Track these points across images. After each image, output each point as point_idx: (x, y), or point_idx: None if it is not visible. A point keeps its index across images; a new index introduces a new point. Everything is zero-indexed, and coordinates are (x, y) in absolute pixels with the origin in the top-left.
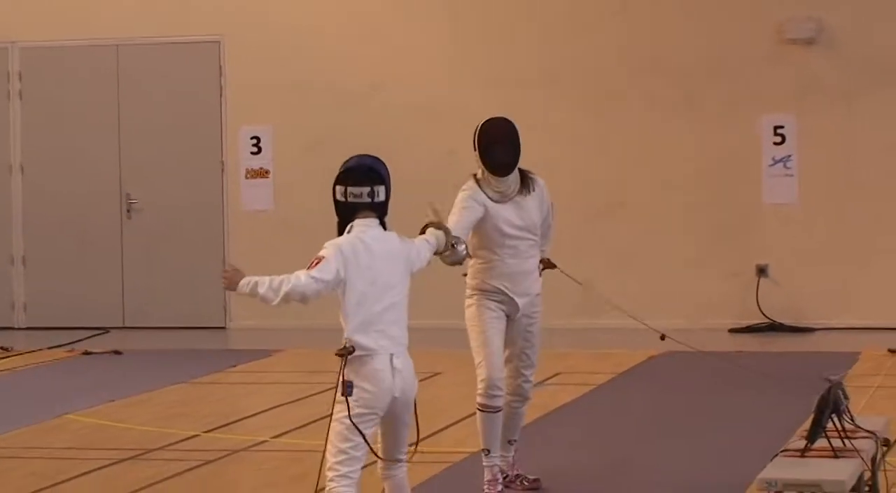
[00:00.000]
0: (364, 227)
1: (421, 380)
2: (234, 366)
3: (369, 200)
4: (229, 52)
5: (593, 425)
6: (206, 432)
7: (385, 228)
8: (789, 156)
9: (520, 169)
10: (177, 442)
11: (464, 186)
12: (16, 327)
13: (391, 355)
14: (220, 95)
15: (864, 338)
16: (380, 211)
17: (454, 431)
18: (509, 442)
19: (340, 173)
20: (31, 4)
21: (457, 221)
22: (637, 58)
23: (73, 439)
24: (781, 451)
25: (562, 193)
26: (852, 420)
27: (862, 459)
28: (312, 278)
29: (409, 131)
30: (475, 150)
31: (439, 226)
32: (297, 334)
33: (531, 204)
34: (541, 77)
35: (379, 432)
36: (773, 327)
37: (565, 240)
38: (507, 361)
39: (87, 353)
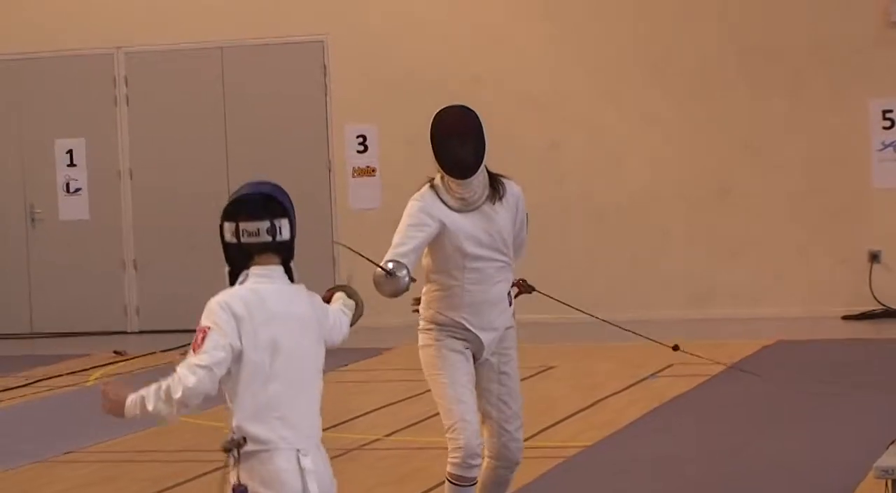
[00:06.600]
0: (262, 277)
1: (533, 375)
2: (346, 365)
3: (269, 238)
4: (333, 52)
5: (707, 414)
6: None
7: (292, 278)
8: None
9: (489, 172)
10: None
11: (415, 195)
12: (129, 331)
13: (297, 451)
14: (326, 95)
15: None
16: (284, 253)
17: (567, 425)
18: None
19: (228, 206)
20: (136, 10)
21: (401, 242)
22: (742, 43)
23: (187, 441)
24: None
25: (668, 181)
26: None
27: None
28: (201, 368)
29: (510, 124)
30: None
31: (351, 293)
32: (408, 332)
33: (501, 215)
34: (645, 64)
35: None
36: (888, 314)
37: (674, 229)
38: (485, 417)
39: None
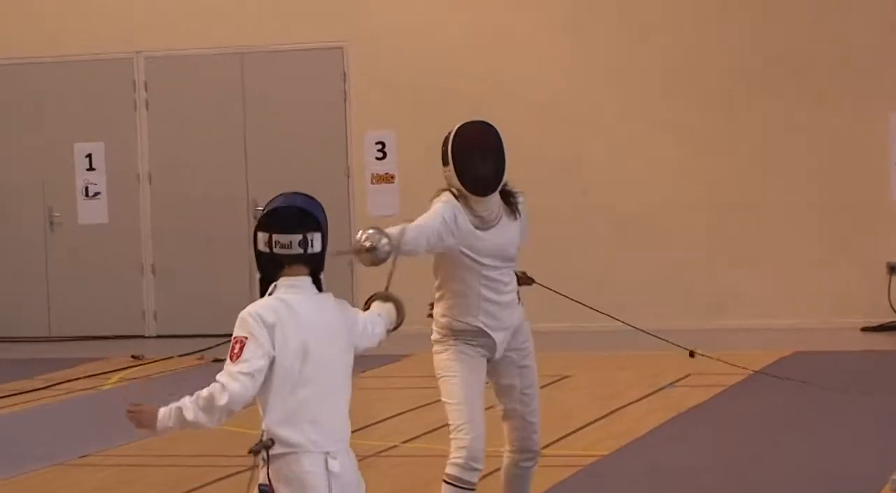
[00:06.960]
0: (291, 287)
1: (550, 383)
2: (364, 371)
3: (301, 250)
4: (352, 58)
5: (724, 424)
6: None
7: (321, 288)
8: None
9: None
10: None
11: (441, 197)
12: (146, 335)
13: (326, 454)
14: (345, 101)
15: None
16: (314, 265)
17: (584, 434)
18: None
19: (263, 216)
20: (156, 15)
21: (422, 222)
22: (764, 54)
23: (203, 445)
24: None
25: (688, 191)
26: None
27: None
28: (244, 375)
29: (530, 135)
30: (448, 163)
31: (387, 298)
32: (427, 339)
33: (515, 230)
34: (665, 74)
35: None
36: None
37: (695, 238)
38: (508, 414)
39: (217, 360)
